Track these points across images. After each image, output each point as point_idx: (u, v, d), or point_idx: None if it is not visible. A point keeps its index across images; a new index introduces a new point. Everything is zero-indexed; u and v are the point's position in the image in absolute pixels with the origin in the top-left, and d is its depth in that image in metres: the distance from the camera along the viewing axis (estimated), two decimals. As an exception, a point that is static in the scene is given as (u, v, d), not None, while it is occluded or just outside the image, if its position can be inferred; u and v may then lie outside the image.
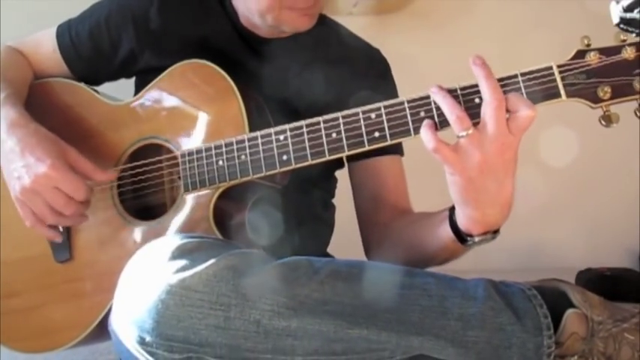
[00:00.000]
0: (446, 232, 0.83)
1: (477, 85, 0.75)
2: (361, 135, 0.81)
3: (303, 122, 0.84)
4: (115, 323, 0.76)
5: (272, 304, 0.71)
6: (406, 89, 0.81)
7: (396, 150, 1.09)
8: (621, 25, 0.72)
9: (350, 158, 1.10)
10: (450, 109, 0.74)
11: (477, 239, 0.80)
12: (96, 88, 1.12)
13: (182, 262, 0.73)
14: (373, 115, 0.80)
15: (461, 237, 0.82)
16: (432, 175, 0.96)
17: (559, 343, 0.77)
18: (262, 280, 0.72)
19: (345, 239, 1.23)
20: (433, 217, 0.89)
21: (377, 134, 0.80)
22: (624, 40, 0.74)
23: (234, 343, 0.70)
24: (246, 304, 0.70)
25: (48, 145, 0.92)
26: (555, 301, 0.80)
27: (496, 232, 0.81)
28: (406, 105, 0.79)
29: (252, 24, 1.06)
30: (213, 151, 0.90)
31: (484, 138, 0.72)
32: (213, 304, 0.70)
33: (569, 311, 0.78)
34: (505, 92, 0.74)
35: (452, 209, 0.83)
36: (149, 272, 0.74)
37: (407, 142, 0.83)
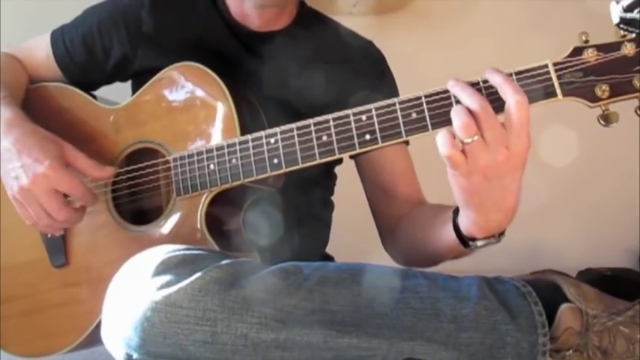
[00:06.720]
0: (449, 234, 0.81)
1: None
2: (352, 137, 0.79)
3: (293, 125, 0.83)
4: (105, 339, 0.75)
5: (259, 317, 0.70)
6: (405, 89, 0.80)
7: None
8: (621, 25, 0.70)
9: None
10: (456, 114, 0.70)
11: (479, 243, 0.78)
12: (93, 92, 1.12)
13: (166, 278, 0.71)
14: (364, 117, 0.79)
15: (464, 240, 0.80)
16: (434, 170, 0.95)
17: (554, 337, 0.77)
18: (249, 292, 0.71)
19: (345, 239, 1.23)
20: (438, 217, 0.87)
21: (368, 136, 0.79)
22: (624, 36, 0.71)
23: (222, 357, 0.69)
24: (233, 317, 0.69)
25: (45, 144, 0.91)
26: (550, 296, 0.79)
27: (501, 234, 0.79)
28: (397, 106, 0.77)
29: (244, 16, 1.05)
30: (205, 155, 0.89)
31: (487, 144, 0.70)
32: (200, 319, 0.69)
33: (564, 306, 0.78)
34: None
35: (456, 211, 0.81)
36: (133, 289, 0.72)
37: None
